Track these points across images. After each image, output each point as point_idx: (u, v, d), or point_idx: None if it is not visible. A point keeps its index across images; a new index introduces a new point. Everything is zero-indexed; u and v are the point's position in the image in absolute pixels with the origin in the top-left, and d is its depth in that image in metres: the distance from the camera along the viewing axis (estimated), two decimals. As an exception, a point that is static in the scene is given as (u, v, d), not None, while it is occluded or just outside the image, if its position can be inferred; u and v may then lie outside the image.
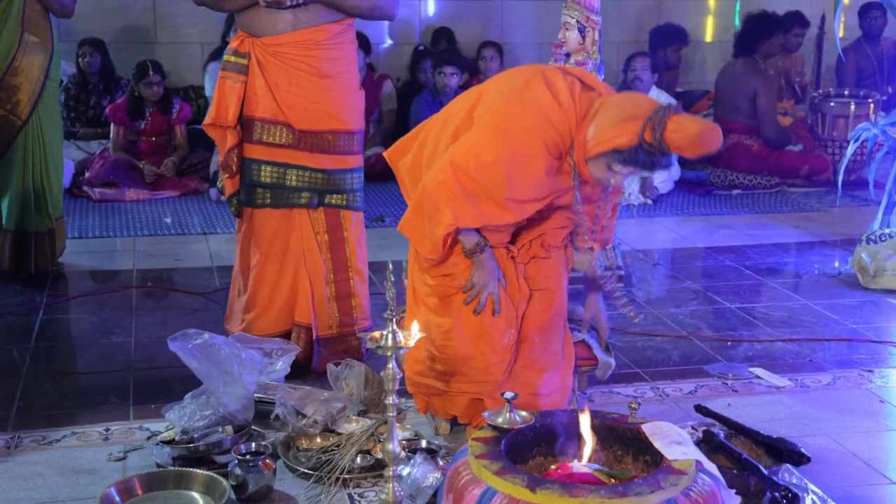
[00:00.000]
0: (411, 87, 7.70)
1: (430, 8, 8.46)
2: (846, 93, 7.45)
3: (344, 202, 3.66)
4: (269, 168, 3.60)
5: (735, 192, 6.89)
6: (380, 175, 6.83)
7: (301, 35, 3.49)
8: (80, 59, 7.07)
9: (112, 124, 6.70)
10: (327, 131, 3.59)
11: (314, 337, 3.68)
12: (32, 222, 4.69)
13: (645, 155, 2.61)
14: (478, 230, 2.88)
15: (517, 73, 2.90)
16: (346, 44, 3.61)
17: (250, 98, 3.56)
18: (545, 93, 2.74)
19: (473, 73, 7.59)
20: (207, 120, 3.63)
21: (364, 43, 7.36)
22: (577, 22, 4.59)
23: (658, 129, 2.56)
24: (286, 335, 3.70)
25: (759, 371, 3.77)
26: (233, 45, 3.60)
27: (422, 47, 8.03)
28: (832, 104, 7.27)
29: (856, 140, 5.21)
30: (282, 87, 3.53)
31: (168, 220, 5.96)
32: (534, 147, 2.72)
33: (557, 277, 3.08)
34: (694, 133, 2.55)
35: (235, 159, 3.61)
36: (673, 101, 6.78)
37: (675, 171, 6.82)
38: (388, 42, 8.35)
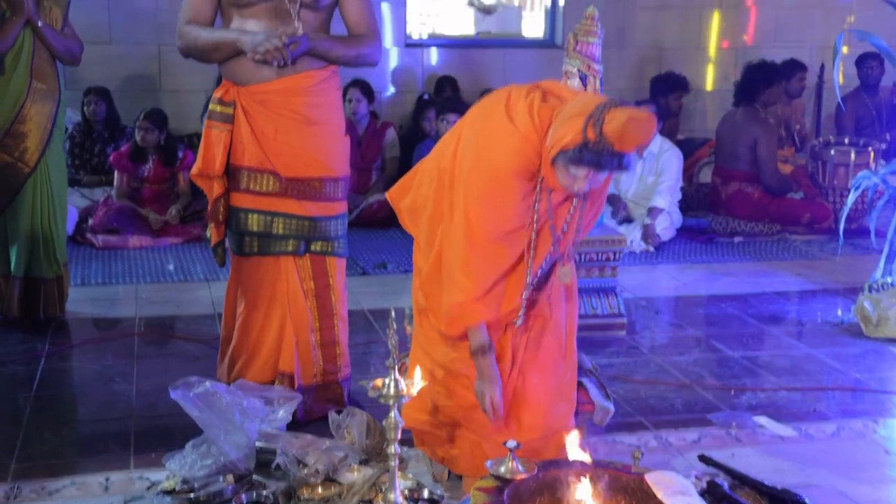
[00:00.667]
0: (414, 135, 7.75)
1: (433, 57, 8.53)
2: (846, 141, 7.47)
3: (329, 249, 3.67)
4: (256, 216, 3.60)
5: (737, 239, 6.89)
6: (382, 221, 6.87)
7: (287, 82, 3.50)
8: (85, 108, 7.11)
9: (116, 171, 6.73)
10: (314, 178, 3.59)
11: (298, 385, 3.66)
12: (41, 268, 4.71)
13: (590, 153, 2.54)
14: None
15: (485, 104, 2.90)
16: (332, 90, 3.63)
17: (236, 147, 3.56)
18: (504, 121, 2.74)
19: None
20: (194, 170, 3.63)
21: (367, 91, 7.43)
22: (579, 70, 4.63)
23: (597, 124, 2.50)
24: (271, 383, 3.67)
25: (762, 420, 3.75)
26: (217, 94, 3.60)
27: (426, 97, 8.09)
28: (832, 152, 7.29)
29: (856, 188, 5.22)
30: (268, 135, 3.53)
31: (171, 267, 5.96)
32: (505, 177, 2.73)
33: (555, 304, 3.02)
34: (622, 121, 2.48)
35: (222, 209, 3.62)
36: (677, 150, 6.83)
37: (677, 219, 6.83)
38: (391, 90, 8.41)
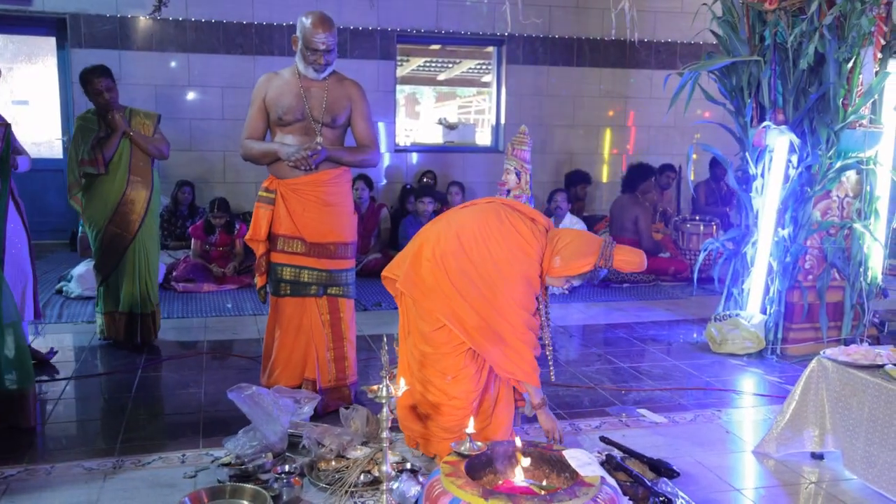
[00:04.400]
0: (400, 213, 7.77)
1: (414, 159, 8.60)
2: (697, 218, 7.60)
3: (341, 292, 3.66)
4: (288, 269, 3.60)
5: (625, 285, 6.92)
6: (378, 273, 6.78)
7: (312, 178, 3.54)
8: (178, 194, 7.11)
9: (192, 239, 6.70)
10: (330, 242, 3.60)
11: (318, 387, 3.63)
12: (139, 306, 4.66)
13: (592, 273, 2.86)
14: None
15: (482, 225, 2.91)
16: (344, 183, 3.66)
17: (275, 220, 3.59)
18: (524, 244, 2.88)
19: (443, 202, 7.68)
20: (247, 236, 3.66)
21: (368, 182, 7.47)
22: (515, 168, 4.67)
23: (609, 260, 2.82)
24: (298, 387, 3.65)
25: (644, 411, 3.75)
26: (265, 184, 3.64)
27: (409, 185, 8.12)
28: (688, 226, 7.41)
29: (704, 251, 5.28)
30: (297, 213, 3.55)
31: (229, 306, 5.90)
32: (534, 279, 2.89)
33: None
34: (635, 262, 2.82)
35: (264, 263, 3.64)
36: (583, 223, 6.89)
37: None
38: (384, 181, 8.46)
